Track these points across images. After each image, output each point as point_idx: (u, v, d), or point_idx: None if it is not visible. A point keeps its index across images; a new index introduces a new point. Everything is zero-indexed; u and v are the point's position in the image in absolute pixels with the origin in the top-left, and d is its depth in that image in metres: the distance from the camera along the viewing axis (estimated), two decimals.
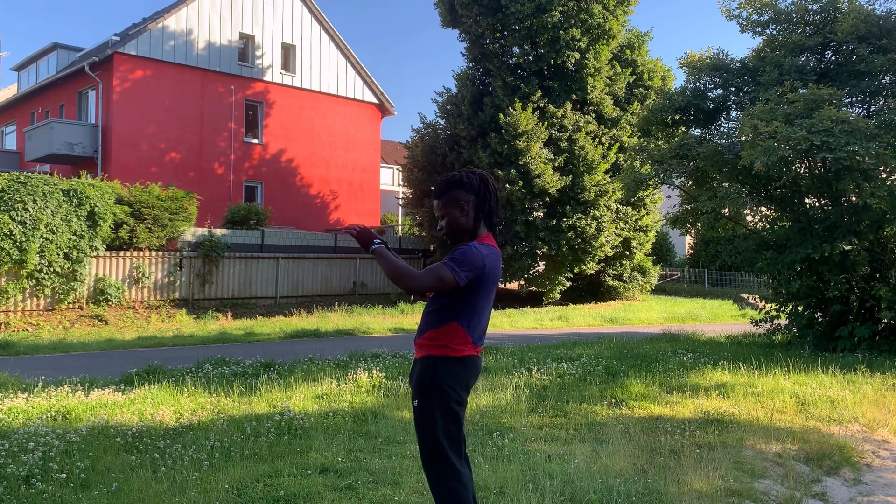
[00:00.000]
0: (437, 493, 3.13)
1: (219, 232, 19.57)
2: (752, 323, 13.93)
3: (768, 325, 13.47)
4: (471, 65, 23.75)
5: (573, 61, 22.01)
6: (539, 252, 21.41)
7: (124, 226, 17.28)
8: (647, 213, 24.31)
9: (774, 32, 13.71)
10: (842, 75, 12.67)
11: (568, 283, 22.90)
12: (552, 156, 21.27)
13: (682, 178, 14.39)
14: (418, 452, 3.10)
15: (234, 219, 21.11)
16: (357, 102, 28.95)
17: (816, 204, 12.82)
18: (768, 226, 13.33)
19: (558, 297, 22.88)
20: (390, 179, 34.70)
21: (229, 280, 19.65)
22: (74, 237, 16.00)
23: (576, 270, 22.56)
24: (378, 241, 3.13)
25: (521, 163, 20.50)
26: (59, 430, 5.50)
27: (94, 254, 16.65)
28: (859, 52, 12.22)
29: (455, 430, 3.11)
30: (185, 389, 7.46)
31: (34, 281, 15.64)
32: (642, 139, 15.80)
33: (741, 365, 9.12)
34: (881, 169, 11.19)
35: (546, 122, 21.40)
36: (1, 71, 48.71)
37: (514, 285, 24.16)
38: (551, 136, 21.61)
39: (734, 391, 7.55)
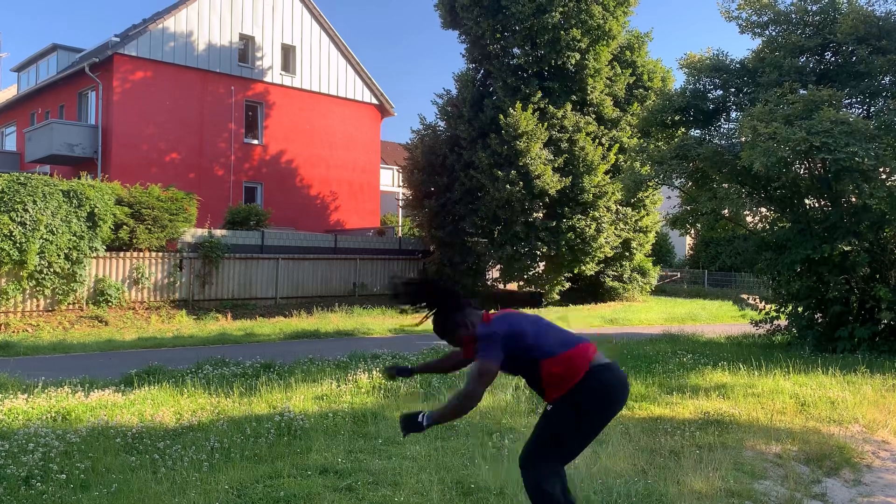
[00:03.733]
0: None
1: (219, 233, 19.57)
2: (751, 324, 13.92)
3: (768, 326, 13.47)
4: (471, 66, 23.75)
5: (573, 62, 22.02)
6: (539, 253, 21.41)
7: (124, 227, 17.28)
8: (647, 214, 24.31)
9: (774, 33, 13.71)
10: (841, 76, 12.67)
11: (568, 284, 22.91)
12: (552, 157, 21.28)
13: (682, 179, 14.39)
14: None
15: (234, 220, 21.11)
16: (357, 103, 28.96)
17: (816, 205, 12.81)
18: (768, 227, 13.32)
19: (558, 297, 22.88)
20: (390, 180, 34.70)
21: (229, 281, 19.65)
22: (74, 238, 16.00)
23: (575, 271, 22.57)
24: (420, 414, 3.16)
25: (521, 164, 20.50)
26: (58, 430, 5.50)
27: (94, 255, 16.65)
28: (859, 53, 12.22)
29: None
30: (185, 390, 7.46)
31: (34, 282, 15.64)
32: (642, 140, 15.79)
33: (741, 366, 9.11)
34: (881, 170, 11.19)
35: (546, 123, 21.40)
36: (1, 72, 48.71)
37: (513, 286, 24.16)
38: (551, 137, 21.61)
39: (734, 392, 7.55)
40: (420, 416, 3.14)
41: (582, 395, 3.13)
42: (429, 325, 3.41)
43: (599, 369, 3.17)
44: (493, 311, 3.35)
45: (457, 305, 3.28)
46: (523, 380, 3.37)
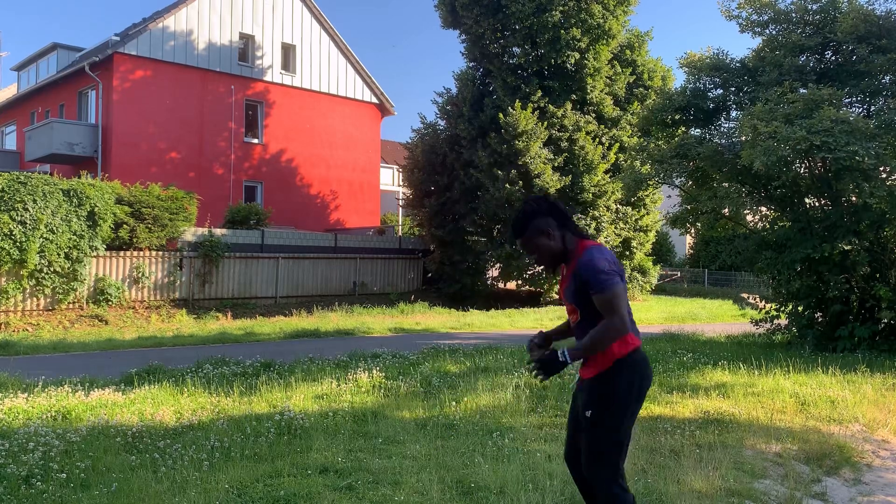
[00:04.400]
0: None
1: (219, 232, 19.57)
2: (751, 323, 13.92)
3: (768, 325, 13.46)
4: (471, 65, 23.76)
5: (573, 61, 22.02)
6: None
7: (124, 226, 17.28)
8: (647, 213, 24.30)
9: (774, 32, 13.70)
10: (841, 75, 12.66)
11: None
12: (552, 156, 21.28)
13: (682, 178, 14.38)
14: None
15: (234, 219, 21.12)
16: (357, 102, 28.95)
17: (816, 204, 12.81)
18: (768, 226, 13.32)
19: (556, 296, 22.88)
20: (390, 179, 34.70)
21: (229, 280, 19.65)
22: (74, 237, 16.00)
23: None
24: (561, 352, 3.09)
25: (520, 163, 20.51)
26: (59, 430, 5.50)
27: (95, 254, 16.65)
28: (859, 52, 12.21)
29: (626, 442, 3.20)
30: (186, 389, 7.46)
31: (34, 281, 15.64)
32: (642, 139, 15.78)
33: (741, 365, 9.11)
34: (881, 169, 11.18)
35: (546, 122, 21.40)
36: (1, 71, 48.74)
37: (512, 285, 24.17)
38: (551, 136, 21.61)
39: (734, 391, 7.55)
40: (559, 354, 3.08)
41: (624, 366, 3.15)
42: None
43: (635, 353, 3.21)
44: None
45: (543, 213, 3.23)
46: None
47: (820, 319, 12.52)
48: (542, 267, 3.32)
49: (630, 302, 16.75)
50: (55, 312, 16.05)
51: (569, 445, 3.40)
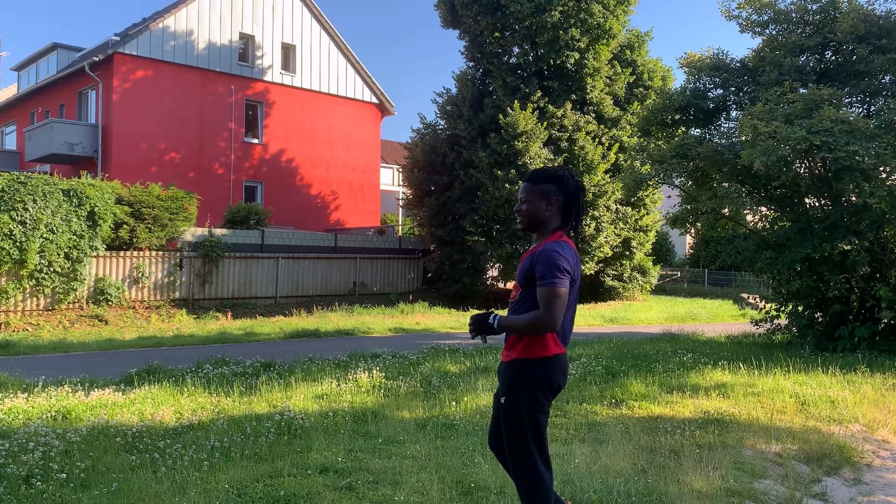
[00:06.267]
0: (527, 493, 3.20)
1: (219, 232, 19.57)
2: (752, 323, 13.92)
3: (768, 325, 13.47)
4: (471, 65, 23.76)
5: (573, 61, 22.01)
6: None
7: (124, 226, 17.28)
8: (647, 213, 24.30)
9: (774, 32, 13.70)
10: (841, 75, 12.67)
11: None
12: (552, 156, 21.27)
13: (682, 178, 14.39)
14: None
15: (234, 219, 21.12)
16: (357, 102, 28.95)
17: (816, 204, 12.81)
18: (768, 226, 13.33)
19: None
20: (390, 179, 34.70)
21: (229, 280, 19.65)
22: (74, 237, 16.00)
23: None
24: (494, 316, 3.15)
25: (520, 163, 20.50)
26: (59, 430, 5.50)
27: (95, 254, 16.64)
28: (859, 52, 12.21)
29: (542, 430, 3.21)
30: (186, 389, 7.47)
31: (34, 281, 15.64)
32: (642, 139, 15.80)
33: (741, 365, 9.11)
34: (881, 169, 11.18)
35: (546, 122, 21.40)
36: (1, 71, 48.75)
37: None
38: (551, 136, 21.61)
39: (734, 391, 7.55)
40: (490, 316, 3.14)
41: (534, 368, 3.15)
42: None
43: (555, 360, 3.18)
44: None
45: (563, 188, 3.25)
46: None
47: (820, 319, 12.53)
48: (518, 221, 3.37)
49: (630, 302, 16.70)
50: (55, 312, 16.05)
51: (492, 427, 3.44)
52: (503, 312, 3.32)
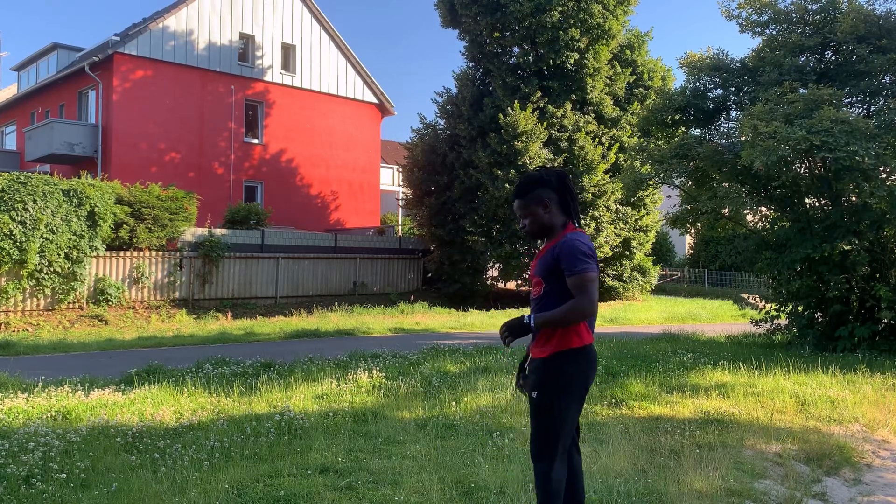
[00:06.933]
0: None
1: (219, 232, 19.57)
2: (751, 323, 13.92)
3: (768, 325, 13.47)
4: (470, 65, 23.76)
5: (573, 61, 22.01)
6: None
7: (124, 226, 17.28)
8: (647, 213, 24.29)
9: (774, 32, 13.70)
10: (841, 75, 12.67)
11: None
12: (552, 156, 21.27)
13: (682, 178, 14.39)
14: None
15: (234, 219, 21.12)
16: (357, 102, 28.95)
17: (816, 204, 12.81)
18: (768, 226, 13.32)
19: None
20: (390, 179, 34.70)
21: (229, 280, 19.65)
22: (74, 237, 15.99)
23: None
24: (526, 317, 3.19)
25: (520, 163, 20.50)
26: (59, 430, 5.50)
27: (95, 254, 16.64)
28: (859, 52, 12.21)
29: (573, 425, 3.26)
30: (186, 389, 7.46)
31: (34, 281, 15.64)
32: (642, 139, 15.79)
33: (741, 365, 9.11)
34: (881, 169, 11.18)
35: (546, 123, 21.40)
36: (1, 71, 48.76)
37: (512, 285, 24.16)
38: (551, 136, 21.61)
39: (734, 391, 7.55)
40: (525, 318, 3.17)
41: (569, 359, 3.20)
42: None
43: (587, 350, 3.25)
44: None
45: (549, 186, 3.31)
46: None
47: (820, 319, 12.52)
48: (528, 234, 3.43)
49: (630, 302, 16.73)
50: (55, 312, 16.05)
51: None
52: (526, 311, 3.35)
